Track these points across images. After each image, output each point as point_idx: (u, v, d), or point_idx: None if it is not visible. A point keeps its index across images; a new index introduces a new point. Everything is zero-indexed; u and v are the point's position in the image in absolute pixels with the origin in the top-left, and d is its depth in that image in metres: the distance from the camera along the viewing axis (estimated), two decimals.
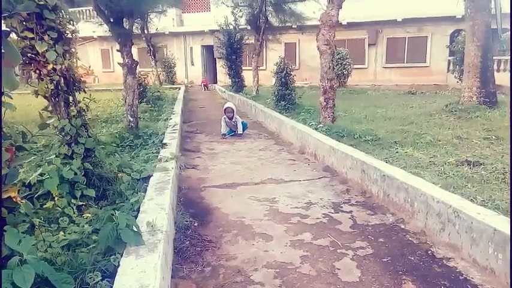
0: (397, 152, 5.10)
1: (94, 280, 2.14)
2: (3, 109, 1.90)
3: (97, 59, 25.37)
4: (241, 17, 15.54)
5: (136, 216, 2.87)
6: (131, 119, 6.81)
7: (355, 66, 18.63)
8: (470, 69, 9.05)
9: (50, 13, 3.21)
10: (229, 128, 8.19)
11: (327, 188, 4.63)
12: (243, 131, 8.22)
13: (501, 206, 3.11)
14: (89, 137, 3.72)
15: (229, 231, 3.43)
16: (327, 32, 6.88)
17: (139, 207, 3.11)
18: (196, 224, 3.57)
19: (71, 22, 3.50)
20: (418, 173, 4.07)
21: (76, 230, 2.77)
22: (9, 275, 1.75)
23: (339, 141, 5.71)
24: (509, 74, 13.59)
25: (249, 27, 15.64)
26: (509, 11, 13.15)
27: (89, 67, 3.96)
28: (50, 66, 3.29)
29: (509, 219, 2.68)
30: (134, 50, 8.13)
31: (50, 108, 3.54)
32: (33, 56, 3.25)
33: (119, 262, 2.21)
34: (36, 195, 3.15)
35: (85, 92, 3.77)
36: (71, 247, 2.55)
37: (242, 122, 8.25)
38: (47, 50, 3.22)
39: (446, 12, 17.42)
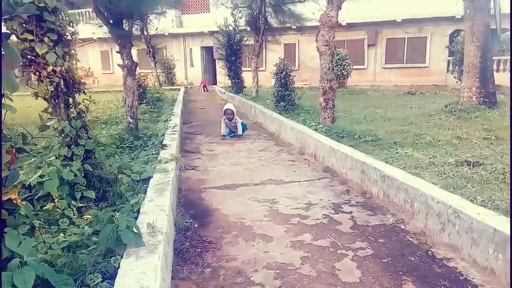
0: (396, 153, 5.11)
1: (94, 282, 2.14)
2: (3, 111, 1.90)
3: (97, 61, 25.39)
4: (240, 18, 15.56)
5: (136, 218, 2.87)
6: (131, 121, 6.81)
7: (355, 66, 18.65)
8: (470, 70, 9.06)
9: (49, 15, 3.22)
10: (229, 129, 8.20)
11: (327, 189, 4.63)
12: (243, 132, 8.22)
13: (501, 206, 3.11)
14: (89, 138, 3.73)
15: (230, 232, 3.43)
16: (327, 32, 6.89)
17: (139, 209, 3.11)
18: (196, 225, 3.57)
19: (71, 24, 3.50)
20: (417, 173, 4.07)
21: (76, 231, 2.77)
22: (10, 277, 1.75)
23: (339, 141, 5.72)
24: (508, 74, 13.62)
25: (248, 28, 15.66)
26: (508, 11, 13.19)
27: (89, 69, 3.98)
28: (49, 68, 3.29)
29: (510, 219, 2.68)
30: (134, 52, 8.14)
31: (50, 110, 3.54)
32: (33, 58, 3.25)
33: (119, 263, 2.21)
34: (36, 197, 3.15)
35: (85, 94, 3.77)
36: (71, 249, 2.55)
37: (242, 123, 8.25)
38: (46, 52, 3.22)
39: (446, 13, 17.44)
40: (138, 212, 3.05)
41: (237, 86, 16.63)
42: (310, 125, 7.15)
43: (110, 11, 6.24)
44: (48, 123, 3.33)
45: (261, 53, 16.15)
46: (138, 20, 12.95)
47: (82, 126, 3.67)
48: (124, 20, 6.62)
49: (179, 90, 18.72)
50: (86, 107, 3.81)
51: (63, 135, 3.56)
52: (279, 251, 3.06)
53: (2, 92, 1.88)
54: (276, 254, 3.02)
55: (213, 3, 18.21)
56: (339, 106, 8.61)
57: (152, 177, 4.04)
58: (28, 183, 3.20)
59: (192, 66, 24.96)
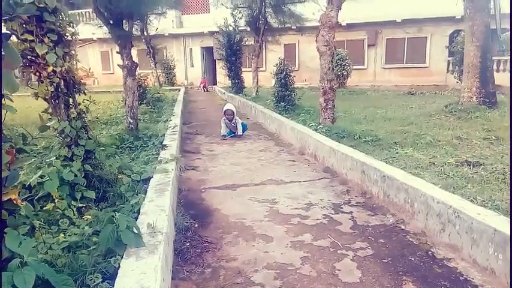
0: (397, 153, 5.11)
1: (94, 282, 2.14)
2: (3, 111, 1.90)
3: (97, 61, 25.40)
4: (240, 18, 15.56)
5: (136, 218, 2.87)
6: (131, 121, 6.81)
7: (355, 67, 18.65)
8: (470, 70, 9.06)
9: (50, 16, 3.22)
10: (229, 129, 8.20)
11: (327, 189, 4.63)
12: (243, 132, 8.22)
13: (501, 206, 3.11)
14: (89, 138, 3.73)
15: (230, 233, 3.43)
16: (327, 33, 6.89)
17: (139, 209, 3.11)
18: (196, 226, 3.57)
19: (71, 24, 3.51)
20: (418, 173, 4.08)
21: (76, 231, 2.77)
22: (10, 277, 1.75)
23: (339, 142, 5.72)
24: (508, 74, 13.62)
25: (248, 29, 15.66)
26: (508, 11, 13.19)
27: (89, 69, 3.98)
28: (50, 69, 3.29)
29: (510, 219, 2.68)
30: (134, 52, 8.15)
31: (50, 110, 3.54)
32: (33, 58, 3.25)
33: (119, 264, 2.21)
34: (36, 197, 3.15)
35: (85, 94, 3.77)
36: (71, 249, 2.55)
37: (242, 123, 8.25)
38: (47, 53, 3.22)
39: (446, 13, 17.44)
40: (138, 212, 3.05)
41: (237, 86, 16.63)
42: (310, 125, 7.15)
43: (110, 12, 6.24)
44: (48, 124, 3.34)
45: (261, 53, 16.16)
46: (138, 21, 12.98)
47: (82, 126, 3.67)
48: (124, 21, 6.62)
49: (179, 90, 18.72)
50: (86, 108, 3.81)
51: (63, 135, 3.56)
52: (279, 251, 3.06)
53: (2, 92, 1.88)
54: (276, 254, 3.02)
55: (213, 4, 18.21)
56: (339, 106, 8.61)
57: (152, 177, 4.04)
58: (28, 183, 3.20)
59: (192, 66, 24.97)
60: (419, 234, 3.30)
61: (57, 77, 3.37)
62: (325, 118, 7.14)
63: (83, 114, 3.75)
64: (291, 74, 9.99)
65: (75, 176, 3.36)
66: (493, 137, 5.98)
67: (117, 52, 6.81)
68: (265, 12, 14.43)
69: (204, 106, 14.67)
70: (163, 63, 22.67)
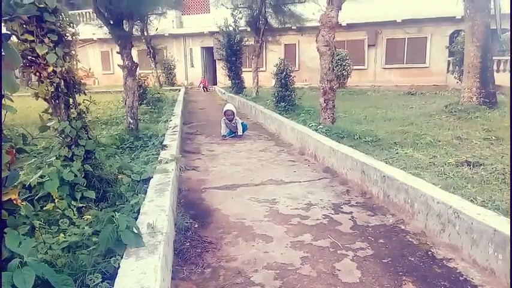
0: (397, 153, 5.11)
1: (94, 282, 2.14)
2: (3, 111, 1.90)
3: (97, 61, 25.41)
4: (240, 18, 15.56)
5: (136, 218, 2.87)
6: (131, 121, 6.81)
7: (355, 67, 18.65)
8: (470, 70, 9.06)
9: (50, 16, 3.22)
10: (229, 129, 8.20)
11: (327, 189, 4.63)
12: (243, 132, 8.22)
13: (501, 206, 3.12)
14: (89, 139, 3.73)
15: (230, 233, 3.43)
16: (327, 33, 6.89)
17: (139, 209, 3.11)
18: (196, 226, 3.57)
19: (71, 25, 3.51)
20: (418, 173, 4.08)
21: (76, 231, 2.77)
22: (10, 277, 1.75)
23: (339, 142, 5.72)
24: (508, 75, 13.62)
25: (248, 29, 15.66)
26: (508, 12, 13.18)
27: (89, 69, 3.98)
28: (50, 69, 3.29)
29: (510, 219, 2.68)
30: (134, 52, 8.15)
31: (50, 110, 3.55)
32: (33, 58, 3.26)
33: (119, 264, 2.22)
34: (36, 197, 3.15)
35: (85, 94, 3.78)
36: (71, 249, 2.55)
37: (242, 123, 8.25)
38: (47, 53, 3.23)
39: (446, 13, 17.44)
40: (138, 212, 3.05)
41: (237, 86, 16.63)
42: (311, 125, 7.15)
43: (110, 12, 6.24)
44: (48, 124, 3.34)
45: (261, 53, 16.17)
46: (139, 21, 12.99)
47: (82, 126, 3.67)
48: (124, 21, 6.63)
49: (179, 90, 18.72)
50: (86, 108, 3.82)
51: (63, 135, 3.56)
52: (279, 251, 3.06)
53: (2, 92, 1.88)
54: (276, 254, 3.02)
55: (213, 4, 18.20)
56: (339, 106, 8.61)
57: (152, 177, 4.04)
58: (28, 183, 3.21)
59: (193, 66, 24.97)
60: (419, 235, 3.30)
61: (58, 77, 3.37)
62: (325, 118, 7.14)
63: (83, 115, 3.76)
64: (291, 74, 10.00)
65: (75, 176, 3.36)
66: (493, 137, 5.98)
67: (118, 52, 6.82)
68: (266, 13, 14.43)
69: (204, 106, 14.67)
70: (164, 63, 22.67)
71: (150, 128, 7.53)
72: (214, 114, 11.58)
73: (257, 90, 15.01)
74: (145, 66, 20.31)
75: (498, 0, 14.03)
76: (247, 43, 16.82)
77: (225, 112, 8.16)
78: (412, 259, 2.90)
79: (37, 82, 3.41)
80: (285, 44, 20.76)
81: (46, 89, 3.35)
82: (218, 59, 20.70)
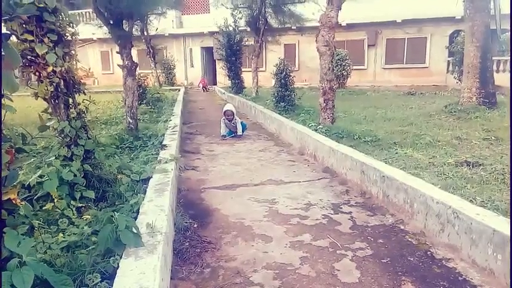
0: (396, 153, 5.11)
1: (93, 282, 2.14)
2: (2, 111, 1.90)
3: (97, 61, 25.40)
4: (240, 18, 15.57)
5: (135, 218, 2.87)
6: (131, 121, 6.81)
7: (355, 67, 18.65)
8: (470, 70, 9.06)
9: (49, 16, 3.22)
10: (228, 129, 8.20)
11: (326, 189, 4.63)
12: (242, 131, 8.22)
13: (500, 206, 3.11)
14: (89, 138, 3.73)
15: (229, 233, 3.43)
16: (327, 33, 6.89)
17: (138, 209, 3.11)
18: (195, 226, 3.58)
19: (71, 24, 3.51)
20: (417, 173, 4.08)
21: (75, 231, 2.77)
22: (9, 276, 1.75)
23: (339, 142, 5.72)
24: (508, 75, 13.63)
25: (248, 29, 15.66)
26: (508, 12, 13.19)
27: (89, 69, 3.98)
28: (49, 69, 3.29)
29: (509, 219, 2.68)
30: (134, 52, 8.14)
31: (50, 110, 3.54)
32: (33, 58, 3.26)
33: (118, 263, 2.22)
34: (35, 197, 3.15)
35: (85, 94, 3.77)
36: (70, 249, 2.55)
37: (241, 123, 8.25)
38: (46, 53, 3.22)
39: (446, 13, 17.44)
40: (138, 212, 3.05)
41: (237, 86, 16.63)
42: (310, 125, 7.16)
43: (110, 12, 6.24)
44: (48, 124, 3.34)
45: (261, 53, 16.16)
46: (138, 21, 12.97)
47: (82, 126, 3.67)
48: (124, 21, 6.62)
49: (179, 90, 18.72)
50: (86, 107, 3.82)
51: (62, 135, 3.56)
52: (278, 251, 3.06)
53: (2, 92, 1.88)
54: (276, 254, 3.02)
55: (213, 4, 18.22)
56: (339, 106, 8.61)
57: (152, 177, 4.04)
58: (28, 183, 3.20)
59: (192, 66, 24.97)
60: (419, 235, 3.30)
61: (57, 77, 3.37)
62: (325, 118, 7.14)
63: (83, 114, 3.76)
64: (291, 74, 10.00)
65: (75, 175, 3.36)
66: (493, 138, 5.98)
67: (117, 52, 6.81)
68: (265, 13, 14.43)
69: (203, 106, 14.67)
70: (163, 63, 22.67)
71: (149, 127, 7.53)
72: (214, 114, 11.58)
73: (257, 90, 15.01)
74: (145, 66, 20.30)
75: (498, 1, 14.05)
76: (247, 43, 16.82)
77: (224, 112, 8.16)
78: (412, 259, 2.90)
79: (37, 82, 3.41)
80: (284, 44, 20.76)
81: (46, 88, 3.35)
82: (218, 59, 20.69)
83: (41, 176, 3.23)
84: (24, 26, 3.15)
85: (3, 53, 1.72)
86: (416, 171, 4.22)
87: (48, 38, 3.24)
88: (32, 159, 3.87)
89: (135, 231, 2.46)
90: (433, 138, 6.01)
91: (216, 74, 24.02)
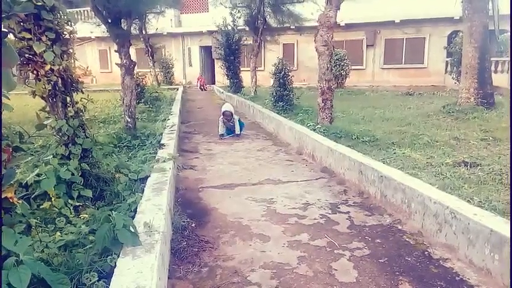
0: (394, 153, 5.12)
1: (90, 281, 2.14)
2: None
3: (95, 60, 25.34)
4: (239, 17, 15.56)
5: (133, 217, 2.87)
6: (129, 120, 6.80)
7: (353, 67, 18.65)
8: (468, 71, 9.08)
9: (47, 14, 3.21)
10: (226, 128, 8.18)
11: (324, 189, 4.63)
12: (241, 131, 8.21)
13: (498, 207, 3.13)
14: (87, 137, 3.72)
15: (227, 232, 3.43)
16: (325, 33, 6.89)
17: (136, 208, 3.11)
18: (193, 225, 3.57)
19: (69, 23, 3.50)
20: (415, 173, 4.08)
21: (73, 230, 2.77)
22: (6, 275, 1.74)
23: (337, 142, 5.72)
24: (506, 75, 13.67)
25: (247, 28, 15.66)
26: (506, 12, 13.23)
27: (87, 68, 3.97)
28: (47, 67, 3.28)
29: (510, 220, 2.69)
30: (132, 51, 8.13)
31: (48, 108, 3.54)
32: (30, 56, 3.25)
33: (115, 263, 2.21)
34: (33, 196, 3.14)
35: (82, 93, 3.77)
36: (68, 247, 2.55)
37: (239, 122, 8.24)
38: (44, 51, 3.22)
39: (444, 14, 17.47)
40: (135, 211, 3.05)
41: (236, 85, 16.63)
42: (309, 125, 7.16)
43: (108, 10, 6.23)
44: (45, 122, 3.32)
45: (259, 52, 16.15)
46: (137, 19, 12.95)
47: (79, 125, 3.66)
48: (122, 19, 6.61)
49: (177, 89, 18.70)
50: (84, 106, 3.81)
51: (60, 134, 3.55)
52: (276, 251, 3.06)
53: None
54: (273, 253, 3.02)
55: (212, 3, 18.20)
56: (337, 106, 8.62)
57: (150, 176, 4.04)
58: (25, 181, 3.20)
59: (191, 65, 24.93)
60: (416, 235, 3.31)
61: (55, 76, 3.36)
62: (323, 118, 7.14)
63: (81, 113, 3.75)
64: (290, 73, 10.00)
65: (72, 174, 3.36)
66: (491, 138, 6.00)
67: (115, 51, 6.80)
68: (264, 12, 14.43)
69: (202, 105, 14.66)
70: (162, 62, 22.61)
71: (147, 126, 7.52)
72: (212, 113, 11.57)
73: (255, 90, 15.01)
74: (144, 64, 20.26)
75: (496, 1, 14.07)
76: (245, 42, 16.82)
77: (223, 113, 8.13)
78: (409, 259, 2.91)
79: (34, 80, 3.40)
80: (283, 44, 20.76)
81: (43, 87, 3.34)
82: (216, 58, 20.67)
83: (38, 175, 3.22)
84: (21, 24, 3.14)
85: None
86: (414, 171, 4.23)
87: (46, 36, 3.23)
88: (30, 158, 3.87)
89: (133, 230, 2.45)
90: (431, 139, 6.02)
91: (215, 73, 23.99)
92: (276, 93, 9.97)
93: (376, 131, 6.82)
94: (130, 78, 6.80)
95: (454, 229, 2.93)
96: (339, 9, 6.91)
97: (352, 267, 2.80)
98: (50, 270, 2.02)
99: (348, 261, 2.89)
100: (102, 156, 4.27)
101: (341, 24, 18.05)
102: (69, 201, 3.25)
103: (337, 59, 16.57)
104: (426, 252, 3.00)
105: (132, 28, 8.06)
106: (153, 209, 3.02)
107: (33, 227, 2.59)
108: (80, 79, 3.72)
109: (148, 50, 19.67)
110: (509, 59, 13.94)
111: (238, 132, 8.13)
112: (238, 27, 16.09)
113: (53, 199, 3.14)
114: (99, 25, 9.70)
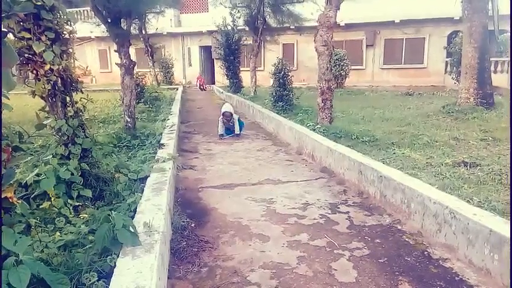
0: (394, 153, 5.12)
1: (90, 280, 2.14)
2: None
3: (94, 60, 25.33)
4: (239, 17, 15.56)
5: (133, 217, 2.86)
6: (129, 120, 6.80)
7: (353, 67, 18.66)
8: (468, 71, 9.08)
9: (47, 13, 3.21)
10: (226, 128, 8.18)
11: (324, 189, 4.63)
12: (240, 131, 8.21)
13: (497, 207, 3.13)
14: (86, 137, 3.72)
15: (227, 232, 3.43)
16: (325, 33, 6.89)
17: (136, 208, 3.10)
18: (193, 225, 3.57)
19: (69, 22, 3.50)
20: (415, 174, 4.09)
21: (72, 230, 2.77)
22: (5, 275, 1.74)
23: (337, 142, 5.72)
24: (506, 76, 13.67)
25: (247, 28, 15.66)
26: (506, 13, 13.23)
27: (87, 67, 3.97)
28: (47, 67, 3.28)
29: (510, 220, 2.69)
30: (132, 51, 8.13)
31: (47, 108, 3.53)
32: (30, 56, 3.24)
33: (115, 262, 2.21)
34: (32, 196, 3.14)
35: (82, 93, 3.76)
36: (67, 247, 2.55)
37: (239, 121, 8.23)
38: (44, 51, 3.21)
39: (444, 14, 17.47)
40: (135, 211, 3.04)
41: (235, 85, 16.63)
42: (308, 125, 7.16)
43: (108, 10, 6.23)
44: (45, 122, 3.33)
45: (259, 52, 16.15)
46: (137, 19, 12.92)
47: (79, 125, 3.66)
48: (122, 19, 6.61)
49: (177, 89, 18.69)
50: (84, 106, 3.81)
51: (60, 133, 3.55)
52: (275, 251, 3.06)
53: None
54: (273, 253, 3.02)
55: (212, 3, 18.18)
56: (337, 106, 8.62)
57: (149, 176, 4.04)
58: (24, 181, 3.20)
59: (191, 65, 24.92)
60: (416, 235, 3.31)
61: (55, 75, 3.36)
62: (323, 118, 7.14)
63: (80, 113, 3.75)
64: (289, 73, 10.00)
65: (72, 174, 3.36)
66: (490, 138, 6.00)
67: (115, 51, 6.80)
68: (264, 12, 14.43)
69: (202, 105, 14.65)
70: (162, 62, 22.61)
71: (147, 126, 7.52)
72: (211, 113, 11.57)
73: (255, 90, 15.01)
74: (143, 64, 20.25)
75: (496, 1, 14.07)
76: (245, 42, 16.82)
77: (223, 114, 8.11)
78: (409, 259, 2.91)
79: (34, 80, 3.40)
80: (283, 44, 20.75)
81: (43, 87, 3.34)
82: (216, 58, 20.67)
83: (38, 175, 3.22)
84: (21, 23, 3.14)
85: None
86: (414, 171, 4.23)
87: (46, 36, 3.23)
88: (29, 158, 3.86)
89: (132, 230, 2.45)
90: (431, 139, 6.02)
91: (215, 73, 23.98)
92: (275, 93, 9.97)
93: (375, 131, 6.82)
94: (130, 78, 6.80)
95: (453, 229, 2.94)
96: (338, 9, 6.91)
97: (351, 267, 2.80)
98: (49, 270, 2.02)
99: (348, 261, 2.89)
100: (102, 156, 4.27)
101: (341, 24, 18.05)
102: (69, 201, 3.25)
103: (336, 59, 16.57)
104: (426, 252, 3.00)
105: (131, 28, 8.05)
106: (153, 209, 3.02)
107: (32, 227, 2.59)
108: (79, 79, 3.72)
109: (148, 49, 19.67)
110: (508, 59, 13.95)
111: (238, 132, 8.13)
112: (238, 27, 16.09)
113: (52, 199, 3.14)
114: (98, 25, 9.69)
